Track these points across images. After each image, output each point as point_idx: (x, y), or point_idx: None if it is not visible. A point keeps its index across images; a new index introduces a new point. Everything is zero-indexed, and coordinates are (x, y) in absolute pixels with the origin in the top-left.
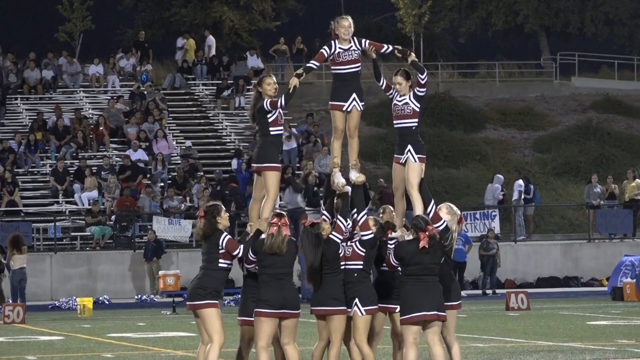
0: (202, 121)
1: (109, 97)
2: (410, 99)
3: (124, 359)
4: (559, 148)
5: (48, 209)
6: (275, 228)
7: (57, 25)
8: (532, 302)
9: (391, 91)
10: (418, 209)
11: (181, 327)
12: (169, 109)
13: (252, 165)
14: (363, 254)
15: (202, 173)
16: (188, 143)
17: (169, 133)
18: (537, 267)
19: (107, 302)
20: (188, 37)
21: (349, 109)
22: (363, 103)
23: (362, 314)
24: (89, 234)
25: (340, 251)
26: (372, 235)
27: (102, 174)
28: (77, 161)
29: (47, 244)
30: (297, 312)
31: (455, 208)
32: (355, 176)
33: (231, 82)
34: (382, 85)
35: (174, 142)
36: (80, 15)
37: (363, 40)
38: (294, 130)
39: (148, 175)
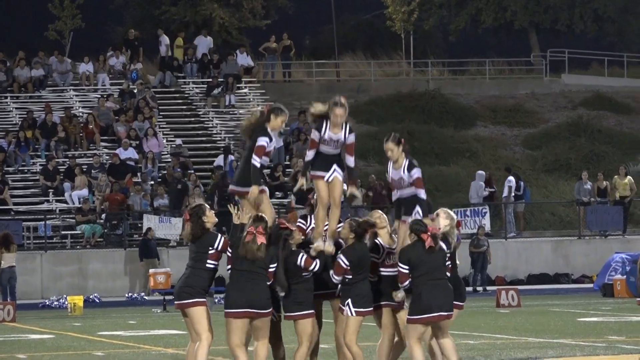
0: (193, 119)
1: (99, 96)
2: (404, 171)
3: (114, 357)
4: (549, 145)
5: (38, 208)
6: (250, 236)
7: (47, 24)
8: (523, 299)
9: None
10: None
11: (172, 325)
12: (159, 107)
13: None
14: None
15: (192, 171)
16: (178, 141)
17: (159, 131)
18: (527, 263)
19: (97, 301)
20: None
21: (329, 179)
22: (344, 173)
23: (352, 314)
24: (79, 232)
25: (300, 261)
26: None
27: (92, 172)
28: (67, 160)
29: (38, 243)
30: (265, 312)
31: (452, 213)
32: (327, 247)
33: (221, 80)
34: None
35: (164, 140)
36: (70, 13)
37: (349, 135)
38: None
39: (138, 174)
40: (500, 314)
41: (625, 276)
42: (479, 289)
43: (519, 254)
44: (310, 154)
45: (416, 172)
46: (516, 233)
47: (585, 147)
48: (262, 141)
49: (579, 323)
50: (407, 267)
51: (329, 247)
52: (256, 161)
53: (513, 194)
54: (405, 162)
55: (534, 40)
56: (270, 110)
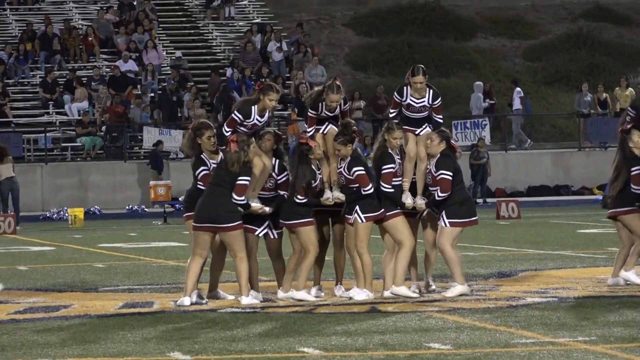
0: (192, 31)
1: (99, 8)
2: (428, 101)
3: (115, 269)
4: (550, 57)
5: (38, 120)
6: (230, 145)
7: None
8: (523, 211)
9: (403, 97)
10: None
11: (172, 237)
12: (159, 20)
13: None
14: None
15: (192, 83)
16: (178, 53)
17: (159, 43)
18: (527, 176)
19: (98, 213)
20: None
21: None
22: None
23: (362, 221)
24: (79, 144)
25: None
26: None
27: (92, 84)
28: (67, 72)
29: (38, 155)
30: (225, 226)
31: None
32: (337, 196)
33: None
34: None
35: (164, 53)
36: None
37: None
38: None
39: (138, 86)
40: (500, 226)
41: None
42: (479, 201)
43: (519, 166)
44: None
45: (440, 101)
46: (526, 143)
47: (586, 59)
48: (234, 115)
49: (578, 235)
50: (451, 174)
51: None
52: (225, 130)
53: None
54: (430, 92)
55: None
56: (260, 90)
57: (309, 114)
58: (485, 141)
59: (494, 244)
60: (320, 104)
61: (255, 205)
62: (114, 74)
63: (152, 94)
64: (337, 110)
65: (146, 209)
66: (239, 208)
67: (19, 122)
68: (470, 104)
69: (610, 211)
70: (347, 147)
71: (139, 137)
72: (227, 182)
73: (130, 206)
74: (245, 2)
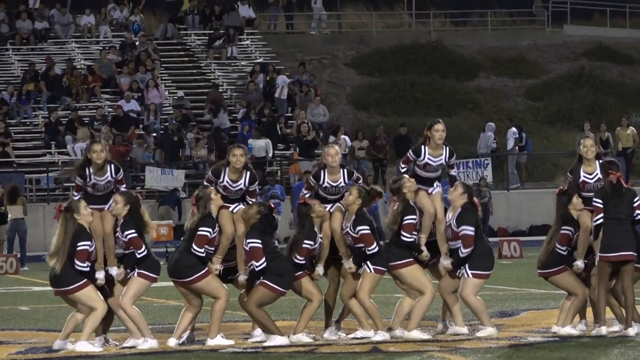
0: (194, 71)
1: (101, 48)
2: (445, 159)
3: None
4: (552, 96)
5: (41, 160)
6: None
7: None
8: (525, 250)
9: (421, 157)
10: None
11: None
12: (161, 59)
13: None
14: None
15: (194, 123)
16: (180, 93)
17: (161, 83)
18: (529, 215)
19: None
20: None
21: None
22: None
23: (371, 271)
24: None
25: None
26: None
27: (94, 124)
28: (69, 112)
29: (40, 195)
30: (180, 281)
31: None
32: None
33: (223, 31)
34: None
35: (166, 92)
36: None
37: (353, 175)
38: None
39: (140, 126)
40: (503, 265)
41: None
42: None
43: (521, 205)
44: (308, 193)
45: (455, 158)
46: (519, 184)
47: (588, 98)
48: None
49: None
50: (474, 229)
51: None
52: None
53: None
54: (446, 150)
55: None
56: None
57: (309, 180)
58: (487, 180)
59: (496, 283)
60: (321, 172)
61: (212, 266)
62: (117, 114)
63: (155, 134)
64: (342, 187)
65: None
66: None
67: (21, 162)
68: (478, 143)
69: (540, 271)
70: (357, 198)
71: (141, 177)
72: (187, 238)
73: None
74: (247, 42)
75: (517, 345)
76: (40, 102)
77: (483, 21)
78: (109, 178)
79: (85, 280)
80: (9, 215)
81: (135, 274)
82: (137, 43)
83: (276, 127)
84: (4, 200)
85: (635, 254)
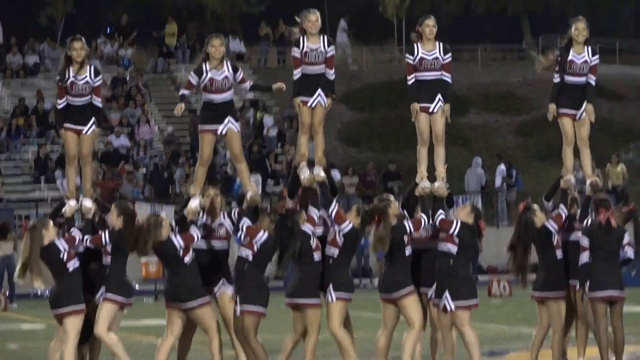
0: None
1: None
2: (440, 53)
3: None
4: (542, 132)
5: (30, 196)
6: None
7: (39, 10)
8: (515, 289)
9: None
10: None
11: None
12: (152, 94)
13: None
14: (341, 243)
15: (185, 159)
16: (170, 128)
17: (151, 118)
18: None
19: None
20: (171, 21)
21: (313, 105)
22: (329, 99)
23: (333, 300)
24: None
25: (312, 242)
26: (350, 226)
27: None
28: (59, 147)
29: None
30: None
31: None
32: (317, 173)
33: None
34: None
35: (157, 127)
36: None
37: (330, 41)
38: None
39: (130, 162)
40: (492, 304)
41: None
42: None
43: None
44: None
45: (450, 56)
46: (508, 222)
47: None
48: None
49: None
50: (457, 230)
51: (320, 176)
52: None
53: (505, 183)
54: (439, 45)
55: (527, 26)
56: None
57: (293, 52)
58: None
59: (485, 321)
60: (301, 38)
61: None
62: (108, 149)
63: (144, 169)
64: (322, 52)
65: (137, 286)
66: None
67: (10, 198)
68: (466, 180)
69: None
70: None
71: None
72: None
73: None
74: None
75: None
76: (30, 137)
77: (473, 57)
78: (87, 79)
79: (81, 308)
80: (0, 252)
81: (102, 299)
82: (127, 78)
83: (266, 163)
84: None
85: (623, 296)
